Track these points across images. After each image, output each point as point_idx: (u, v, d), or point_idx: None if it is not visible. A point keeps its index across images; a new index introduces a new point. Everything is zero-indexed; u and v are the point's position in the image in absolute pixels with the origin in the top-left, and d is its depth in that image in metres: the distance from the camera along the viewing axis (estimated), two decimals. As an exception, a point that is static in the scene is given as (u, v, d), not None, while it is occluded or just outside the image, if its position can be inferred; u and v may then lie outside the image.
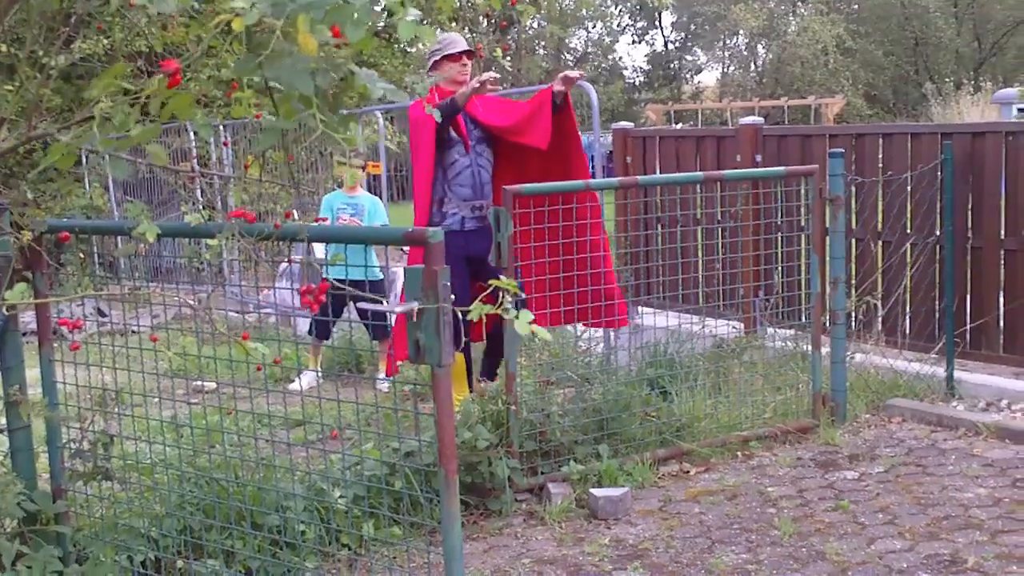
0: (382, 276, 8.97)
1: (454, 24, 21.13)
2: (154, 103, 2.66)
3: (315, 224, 5.31)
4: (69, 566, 4.58)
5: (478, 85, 6.52)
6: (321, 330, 8.66)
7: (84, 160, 15.27)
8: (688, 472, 6.13)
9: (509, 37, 33.80)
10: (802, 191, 7.44)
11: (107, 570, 4.50)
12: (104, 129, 2.74)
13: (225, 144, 13.01)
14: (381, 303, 7.16)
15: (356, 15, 2.51)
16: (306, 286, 3.39)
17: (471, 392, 6.88)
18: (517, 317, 3.10)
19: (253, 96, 3.01)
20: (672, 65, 48.81)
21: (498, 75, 6.72)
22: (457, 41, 7.07)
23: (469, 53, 7.08)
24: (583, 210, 6.74)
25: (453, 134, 6.93)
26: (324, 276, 3.71)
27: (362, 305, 4.04)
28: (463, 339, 6.68)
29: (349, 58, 2.64)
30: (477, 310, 3.23)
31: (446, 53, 7.01)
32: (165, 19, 5.19)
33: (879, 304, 7.81)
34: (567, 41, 45.40)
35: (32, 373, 4.75)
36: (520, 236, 6.60)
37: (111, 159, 2.79)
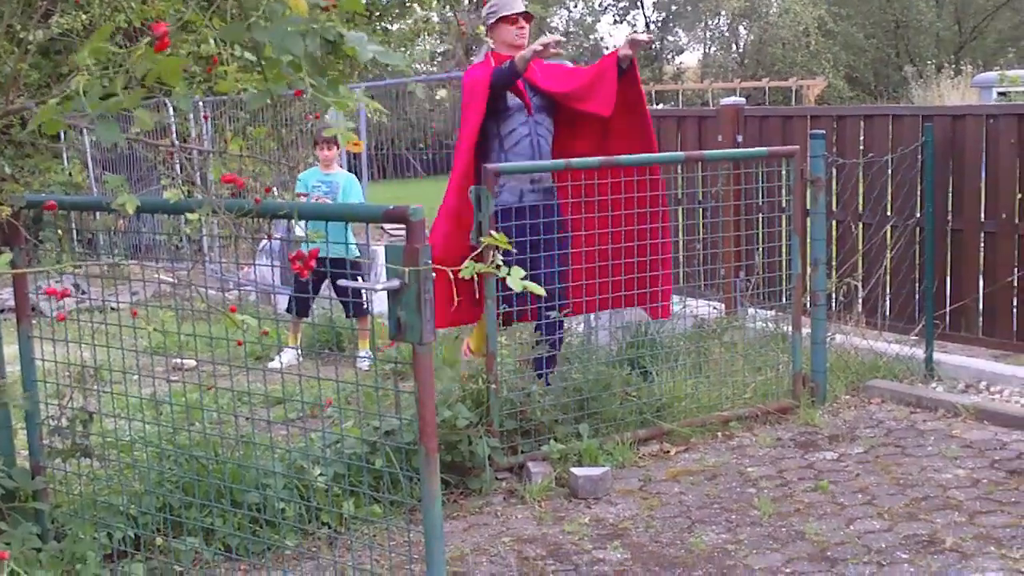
0: (359, 253, 8.95)
1: (435, 2, 21.07)
2: (140, 67, 2.62)
3: (296, 201, 5.27)
4: (47, 543, 4.57)
5: (540, 48, 6.16)
6: (300, 307, 8.65)
7: (63, 136, 15.16)
8: (668, 452, 6.14)
9: (491, 15, 33.73)
10: (783, 172, 7.45)
11: (86, 547, 4.49)
12: (92, 95, 2.70)
13: (205, 118, 12.94)
14: (358, 280, 7.11)
15: None
16: (297, 252, 3.36)
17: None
18: (508, 274, 3.07)
19: (236, 70, 2.99)
20: (654, 45, 48.73)
21: (563, 38, 6.45)
22: (513, 1, 6.65)
23: (527, 15, 6.69)
24: (643, 185, 6.59)
25: (511, 101, 6.55)
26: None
27: (342, 282, 4.02)
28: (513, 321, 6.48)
29: (338, 22, 2.61)
30: (469, 269, 3.20)
31: (502, 15, 6.62)
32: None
33: (859, 286, 7.83)
34: (548, 20, 45.31)
35: (10, 350, 4.72)
36: (572, 208, 6.49)
37: (100, 122, 2.75)
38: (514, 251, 5.86)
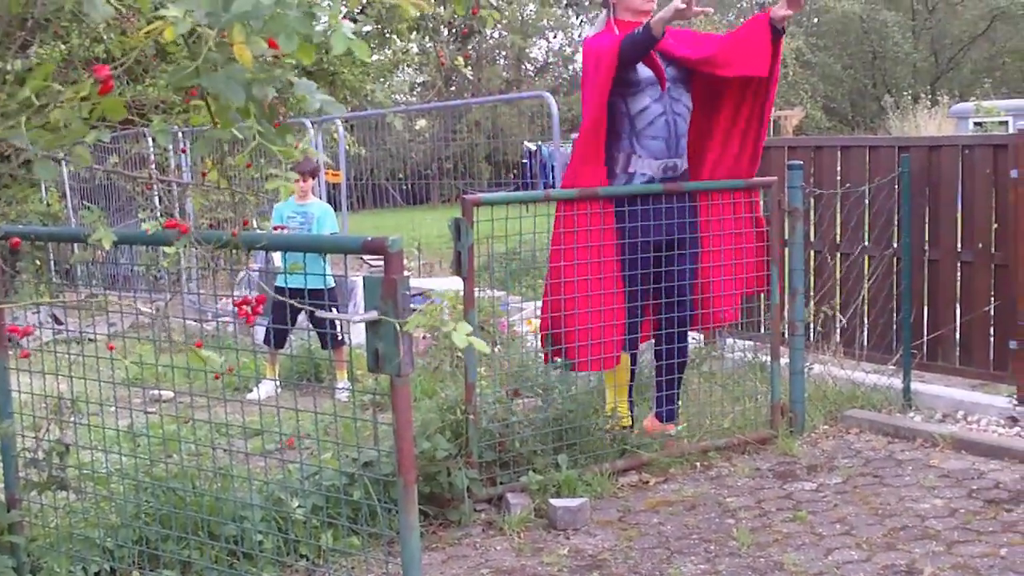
0: (333, 284, 8.94)
1: (414, 34, 21.12)
2: (84, 106, 2.65)
3: (274, 232, 5.26)
4: (23, 577, 4.54)
5: (682, 6, 5.44)
6: (276, 339, 8.63)
7: (41, 166, 15.09)
8: (647, 482, 6.14)
9: (470, 47, 33.80)
10: (761, 202, 7.46)
11: (61, 581, 4.46)
12: (31, 127, 2.73)
13: (183, 151, 12.93)
14: (334, 311, 7.07)
15: (291, 26, 2.49)
16: (243, 297, 3.36)
17: (631, 416, 6.45)
18: (454, 329, 3.05)
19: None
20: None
21: None
22: None
23: None
24: (739, 207, 6.42)
25: (643, 73, 5.93)
26: (277, 284, 3.67)
27: (320, 314, 4.01)
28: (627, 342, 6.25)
29: (289, 69, 2.62)
30: (414, 321, 3.18)
31: None
32: (125, 24, 5.15)
33: (837, 316, 7.85)
34: (528, 51, 45.48)
35: (-14, 381, 4.68)
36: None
37: (37, 160, 2.76)
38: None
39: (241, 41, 2.45)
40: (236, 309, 3.38)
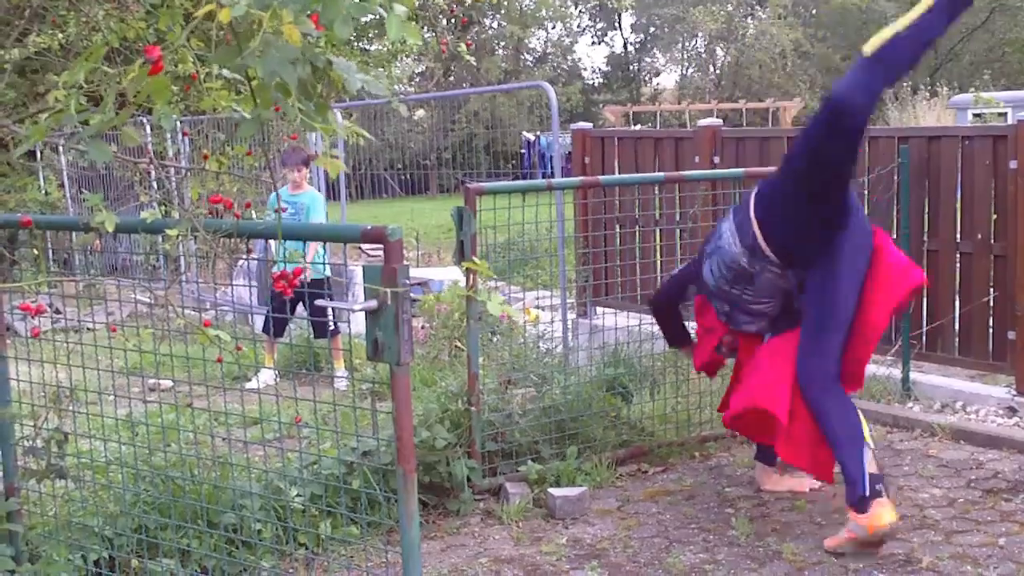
0: (329, 273, 8.96)
1: (413, 24, 21.10)
2: (131, 87, 2.65)
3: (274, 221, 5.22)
4: (22, 565, 4.53)
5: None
6: (275, 327, 8.64)
7: (39, 155, 15.10)
8: (646, 472, 6.14)
9: (469, 36, 33.77)
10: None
11: (60, 569, 4.45)
12: (71, 113, 2.73)
13: (185, 134, 12.93)
14: (331, 300, 7.07)
15: (346, 11, 2.52)
16: (281, 271, 3.35)
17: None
18: (488, 298, 3.05)
19: (222, 86, 3.00)
20: (631, 67, 48.88)
21: None
22: None
23: None
24: None
25: None
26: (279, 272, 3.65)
27: (320, 302, 4.01)
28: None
29: (326, 49, 2.64)
30: (451, 293, 3.19)
31: None
32: (123, 13, 5.14)
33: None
34: (526, 41, 45.43)
35: (-15, 369, 4.67)
36: None
37: (92, 143, 2.76)
38: None
39: (290, 21, 2.48)
40: (273, 282, 3.38)
